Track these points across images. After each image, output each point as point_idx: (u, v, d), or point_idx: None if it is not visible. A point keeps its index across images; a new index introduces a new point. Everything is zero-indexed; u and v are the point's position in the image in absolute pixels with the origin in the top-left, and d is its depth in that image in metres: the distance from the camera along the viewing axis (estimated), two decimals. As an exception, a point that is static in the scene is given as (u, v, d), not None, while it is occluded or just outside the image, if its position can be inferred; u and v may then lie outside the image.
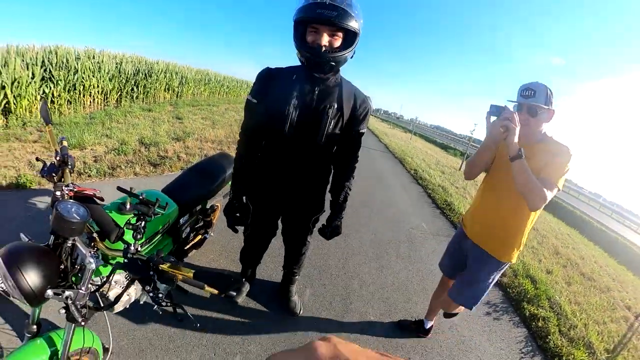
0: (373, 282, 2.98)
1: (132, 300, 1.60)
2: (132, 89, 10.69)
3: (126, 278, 1.46)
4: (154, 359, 1.79)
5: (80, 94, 8.57)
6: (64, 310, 1.03)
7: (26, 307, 1.77)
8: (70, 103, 8.30)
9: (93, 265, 1.01)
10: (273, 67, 1.57)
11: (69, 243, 1.01)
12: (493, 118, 1.60)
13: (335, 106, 1.50)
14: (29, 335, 1.16)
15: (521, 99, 1.62)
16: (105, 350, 1.37)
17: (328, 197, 1.88)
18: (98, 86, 9.12)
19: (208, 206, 2.47)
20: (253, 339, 2.07)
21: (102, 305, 1.16)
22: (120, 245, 1.16)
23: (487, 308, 3.06)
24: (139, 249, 1.13)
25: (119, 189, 1.32)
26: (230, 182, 1.95)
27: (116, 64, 10.03)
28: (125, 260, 1.03)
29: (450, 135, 50.79)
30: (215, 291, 0.92)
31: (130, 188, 1.30)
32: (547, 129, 1.66)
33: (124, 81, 10.10)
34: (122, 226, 1.23)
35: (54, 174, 1.23)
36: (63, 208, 0.96)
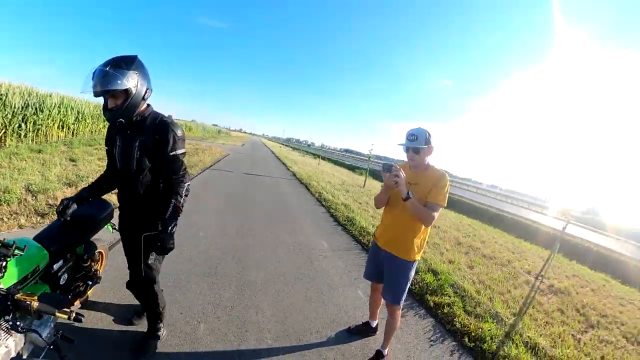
0: (269, 307, 3.01)
1: (13, 354, 1.38)
2: (20, 126, 9.18)
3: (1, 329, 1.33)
4: None
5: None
6: None
7: None
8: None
9: None
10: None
11: None
12: (386, 173, 2.12)
13: (139, 140, 1.84)
14: None
15: (408, 143, 2.19)
16: None
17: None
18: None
19: (85, 252, 2.36)
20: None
21: None
22: None
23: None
24: (2, 286, 1.30)
25: None
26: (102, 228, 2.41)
27: (0, 95, 8.62)
28: None
29: (358, 156, 54.70)
30: (65, 316, 1.16)
31: None
32: (430, 160, 2.27)
33: (9, 116, 8.67)
34: None
35: None
36: None
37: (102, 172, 2.21)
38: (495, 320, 3.31)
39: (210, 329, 2.59)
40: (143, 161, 1.87)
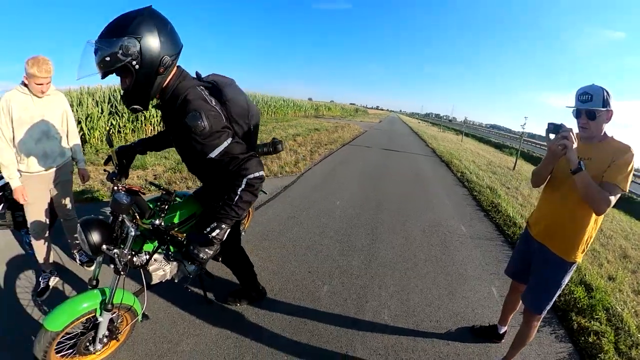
0: (394, 284, 2.91)
1: (167, 277, 1.93)
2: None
3: (160, 252, 1.80)
4: (183, 329, 2.17)
5: (142, 124, 10.04)
6: (112, 265, 1.56)
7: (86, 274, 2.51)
8: (134, 132, 9.81)
9: (133, 233, 1.51)
10: None
11: (120, 218, 1.55)
12: (552, 135, 1.70)
13: (175, 130, 1.55)
14: (90, 288, 1.71)
15: (579, 104, 1.70)
16: (145, 316, 1.94)
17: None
18: (157, 116, 10.42)
19: None
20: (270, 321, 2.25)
21: (143, 273, 1.72)
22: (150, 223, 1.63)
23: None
24: (162, 223, 1.60)
25: (150, 183, 2.12)
26: None
27: None
28: (151, 228, 1.60)
29: (507, 134, 47.46)
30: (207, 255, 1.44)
31: (158, 184, 1.85)
32: (607, 128, 1.72)
33: None
34: (153, 209, 1.75)
35: (114, 178, 1.79)
36: (117, 196, 1.48)
37: (160, 132, 2.04)
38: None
39: (332, 292, 2.69)
40: (186, 152, 1.67)
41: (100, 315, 1.64)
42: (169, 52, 1.31)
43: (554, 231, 1.86)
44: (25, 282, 2.59)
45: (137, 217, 1.66)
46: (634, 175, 1.82)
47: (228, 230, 1.46)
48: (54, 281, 2.59)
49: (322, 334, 2.24)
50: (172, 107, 1.43)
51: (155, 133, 2.10)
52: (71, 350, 1.73)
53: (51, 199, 2.54)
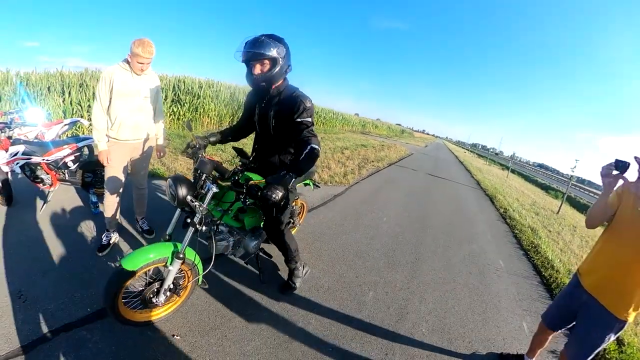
0: (433, 300, 3.16)
1: (230, 249, 2.35)
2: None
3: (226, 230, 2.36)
4: (237, 307, 2.46)
5: (200, 115, 10.98)
6: (189, 220, 1.93)
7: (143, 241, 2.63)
8: (192, 121, 10.59)
9: (214, 190, 1.86)
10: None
11: (203, 177, 1.96)
12: (613, 171, 1.63)
13: (274, 110, 2.17)
14: (163, 240, 2.04)
15: None
16: (204, 283, 2.21)
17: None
18: (215, 110, 11.40)
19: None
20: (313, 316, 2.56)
21: (211, 236, 2.18)
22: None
23: None
24: (240, 180, 2.10)
25: (234, 148, 2.34)
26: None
27: (230, 93, 12.47)
28: (230, 184, 2.08)
29: (555, 175, 44.95)
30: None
31: (241, 149, 2.31)
32: None
33: (236, 107, 12.25)
34: (231, 172, 2.25)
35: (198, 149, 2.18)
36: (203, 159, 1.99)
37: (232, 126, 2.59)
38: None
39: (377, 298, 2.98)
40: (278, 127, 2.19)
41: (171, 264, 1.88)
42: (291, 64, 2.13)
43: (606, 285, 1.73)
44: (87, 237, 2.98)
45: (218, 179, 2.15)
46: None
47: (293, 181, 1.82)
48: (115, 239, 2.86)
49: (365, 335, 2.51)
50: (278, 96, 2.16)
51: (213, 129, 2.70)
52: (136, 301, 2.00)
53: (129, 166, 2.84)
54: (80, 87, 7.56)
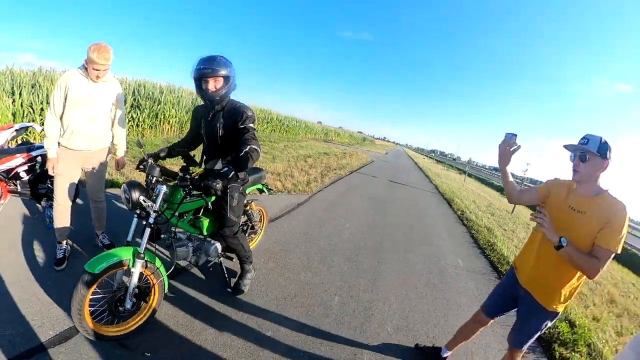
0: (396, 301, 3.26)
1: (190, 254, 2.45)
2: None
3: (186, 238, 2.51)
4: (205, 317, 2.40)
5: (160, 121, 10.39)
6: (144, 221, 2.03)
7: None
8: (152, 128, 10.13)
9: (164, 190, 2.00)
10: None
11: (153, 180, 2.06)
12: (503, 145, 1.93)
13: (220, 122, 2.36)
14: (124, 244, 2.05)
15: (574, 145, 1.71)
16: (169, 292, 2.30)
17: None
18: (176, 116, 10.89)
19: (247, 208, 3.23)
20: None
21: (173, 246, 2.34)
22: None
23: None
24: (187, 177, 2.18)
25: (183, 157, 2.51)
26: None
27: (192, 99, 11.98)
28: (178, 184, 2.14)
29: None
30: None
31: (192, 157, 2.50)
32: (603, 182, 1.70)
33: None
34: (178, 173, 2.31)
35: (148, 159, 2.32)
36: (151, 164, 2.10)
37: (179, 140, 2.72)
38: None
39: (343, 302, 3.02)
40: (225, 136, 2.36)
41: (133, 265, 1.95)
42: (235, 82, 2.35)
43: (536, 281, 1.89)
44: (43, 253, 2.81)
45: (167, 181, 2.29)
46: (629, 227, 1.80)
47: (232, 174, 1.93)
48: (68, 251, 2.72)
49: (333, 338, 2.54)
50: (222, 109, 2.36)
51: (174, 137, 2.76)
52: (104, 314, 2.03)
53: (84, 179, 2.72)
54: (32, 87, 6.95)
